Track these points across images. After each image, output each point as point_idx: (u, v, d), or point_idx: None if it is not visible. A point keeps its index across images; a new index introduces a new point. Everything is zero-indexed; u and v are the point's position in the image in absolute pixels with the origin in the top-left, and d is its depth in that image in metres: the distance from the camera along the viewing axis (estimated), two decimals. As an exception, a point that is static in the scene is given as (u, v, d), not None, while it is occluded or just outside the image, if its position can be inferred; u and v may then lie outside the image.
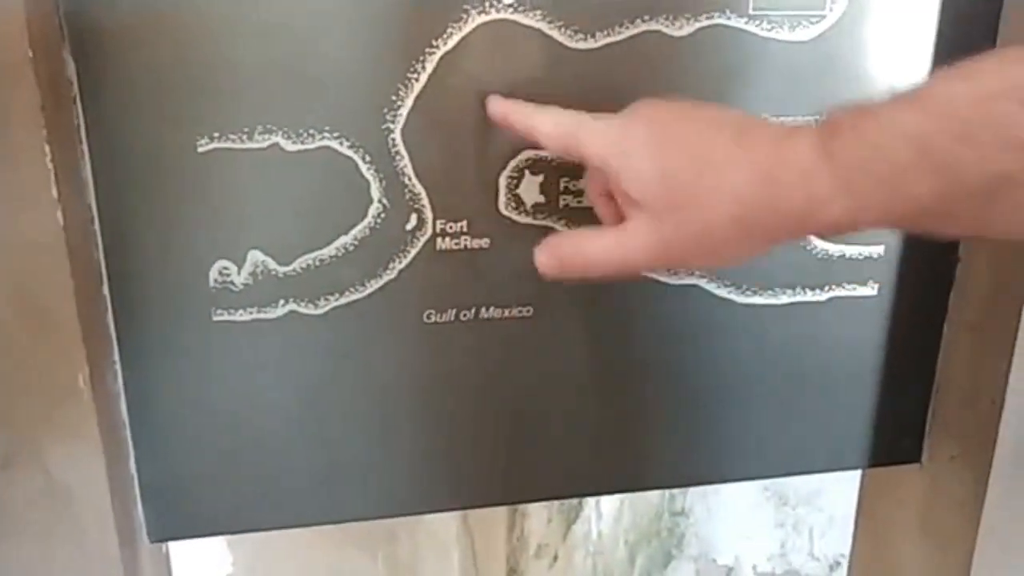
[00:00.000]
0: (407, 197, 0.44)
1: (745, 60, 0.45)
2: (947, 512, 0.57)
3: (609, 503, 0.77)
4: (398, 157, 0.44)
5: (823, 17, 0.45)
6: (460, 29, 0.42)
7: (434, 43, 0.42)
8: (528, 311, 0.48)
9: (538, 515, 0.75)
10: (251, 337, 0.45)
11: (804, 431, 0.54)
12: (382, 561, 0.72)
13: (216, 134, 0.41)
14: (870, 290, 0.52)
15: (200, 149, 0.41)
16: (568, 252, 0.38)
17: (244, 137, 0.42)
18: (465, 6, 0.42)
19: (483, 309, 0.47)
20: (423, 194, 0.44)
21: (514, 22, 0.42)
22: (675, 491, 0.78)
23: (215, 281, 0.44)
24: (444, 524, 0.72)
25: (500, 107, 0.42)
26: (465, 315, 0.47)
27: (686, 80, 0.45)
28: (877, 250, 0.51)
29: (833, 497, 0.81)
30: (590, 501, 0.76)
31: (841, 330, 0.52)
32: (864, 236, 0.50)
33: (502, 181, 0.45)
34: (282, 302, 0.45)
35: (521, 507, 0.74)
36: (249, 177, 0.42)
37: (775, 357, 0.52)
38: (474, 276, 0.47)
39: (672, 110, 0.36)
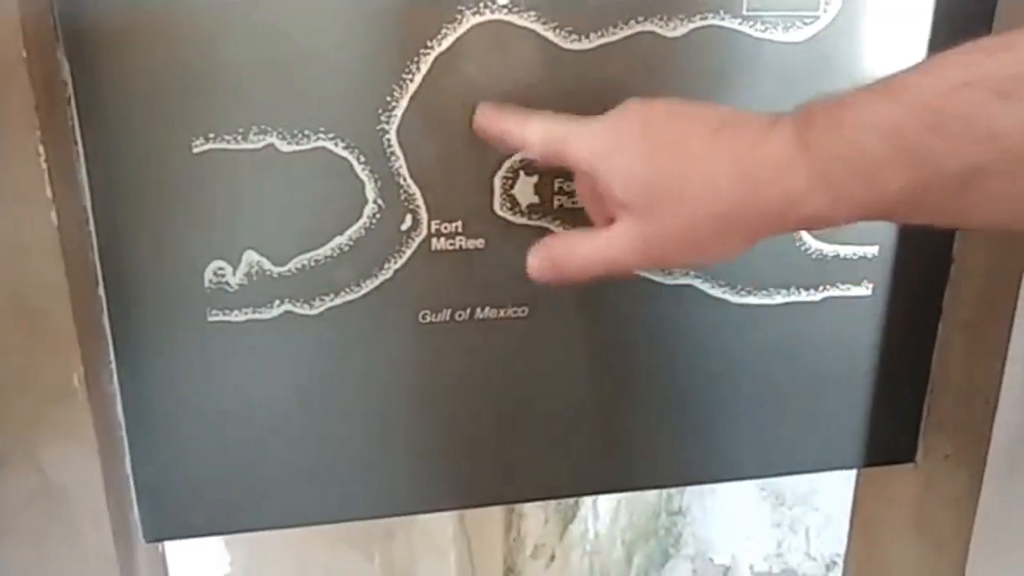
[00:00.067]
0: (402, 197, 0.44)
1: (739, 61, 0.45)
2: (942, 511, 0.57)
3: (606, 503, 0.77)
4: (393, 158, 0.44)
5: (817, 18, 0.45)
6: (454, 30, 0.42)
7: (428, 44, 0.42)
8: (523, 311, 0.48)
9: (535, 515, 0.75)
10: (246, 337, 0.45)
11: (799, 431, 0.54)
12: (378, 561, 0.72)
13: (211, 135, 0.41)
14: (864, 290, 0.52)
15: (195, 150, 0.41)
16: (559, 255, 0.39)
17: (239, 138, 0.42)
18: (459, 7, 0.42)
19: (478, 309, 0.48)
20: (418, 194, 0.45)
21: (508, 23, 0.42)
22: (672, 491, 0.78)
23: (210, 281, 0.44)
24: (441, 524, 0.72)
25: (487, 121, 0.42)
26: (460, 315, 0.47)
27: (680, 81, 0.45)
28: (871, 250, 0.51)
29: (830, 497, 0.81)
30: (587, 501, 0.76)
31: (835, 330, 0.52)
32: (858, 236, 0.50)
33: (497, 182, 0.45)
34: (277, 302, 0.45)
35: (518, 507, 0.74)
36: (244, 178, 0.42)
37: (770, 357, 0.52)
38: (469, 276, 0.47)
39: (655, 109, 0.36)
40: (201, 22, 0.40)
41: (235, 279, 0.44)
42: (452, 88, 0.43)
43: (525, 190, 0.46)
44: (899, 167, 0.29)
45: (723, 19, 0.44)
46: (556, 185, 0.46)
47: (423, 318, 0.47)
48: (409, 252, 0.45)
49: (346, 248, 0.45)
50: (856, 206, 0.31)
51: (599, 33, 0.43)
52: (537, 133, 0.39)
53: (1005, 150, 0.27)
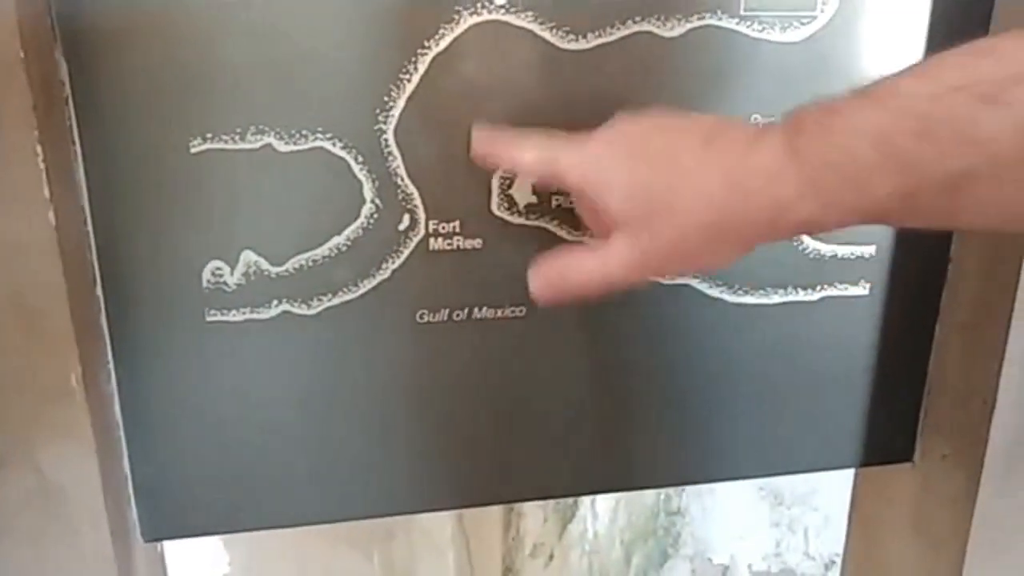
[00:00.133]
0: (400, 197, 0.44)
1: (736, 61, 0.45)
2: (939, 511, 0.57)
3: (605, 502, 0.77)
4: (391, 158, 0.44)
5: (814, 18, 0.45)
6: (452, 30, 0.42)
7: (426, 44, 0.42)
8: (521, 311, 0.48)
9: (534, 515, 0.75)
10: (244, 337, 0.45)
11: (797, 430, 0.54)
12: (378, 561, 0.72)
13: (209, 135, 0.41)
14: (862, 290, 0.52)
15: (193, 150, 0.41)
16: (558, 275, 0.39)
17: (236, 138, 0.42)
18: (457, 7, 0.42)
19: (476, 309, 0.48)
20: (416, 194, 0.45)
21: (506, 23, 0.42)
22: (671, 491, 0.78)
23: (208, 281, 0.44)
24: (440, 524, 0.72)
25: (480, 146, 0.42)
26: (458, 315, 0.47)
27: (677, 81, 0.45)
28: (869, 250, 0.51)
29: (828, 496, 0.81)
30: (586, 500, 0.76)
31: (833, 330, 0.52)
32: (855, 236, 0.50)
33: (494, 182, 0.45)
34: (275, 302, 0.45)
35: (517, 506, 0.74)
36: (242, 178, 0.42)
37: (767, 357, 0.52)
38: (467, 276, 0.47)
39: (644, 124, 0.37)
40: (198, 22, 0.40)
41: (233, 279, 0.44)
42: (450, 88, 0.43)
43: (523, 190, 0.46)
44: (888, 173, 0.29)
45: (720, 19, 0.44)
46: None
47: (421, 318, 0.47)
48: (407, 252, 0.45)
49: (344, 248, 0.45)
50: (846, 211, 0.31)
51: (596, 33, 0.43)
52: (529, 156, 0.39)
53: (992, 155, 0.27)
